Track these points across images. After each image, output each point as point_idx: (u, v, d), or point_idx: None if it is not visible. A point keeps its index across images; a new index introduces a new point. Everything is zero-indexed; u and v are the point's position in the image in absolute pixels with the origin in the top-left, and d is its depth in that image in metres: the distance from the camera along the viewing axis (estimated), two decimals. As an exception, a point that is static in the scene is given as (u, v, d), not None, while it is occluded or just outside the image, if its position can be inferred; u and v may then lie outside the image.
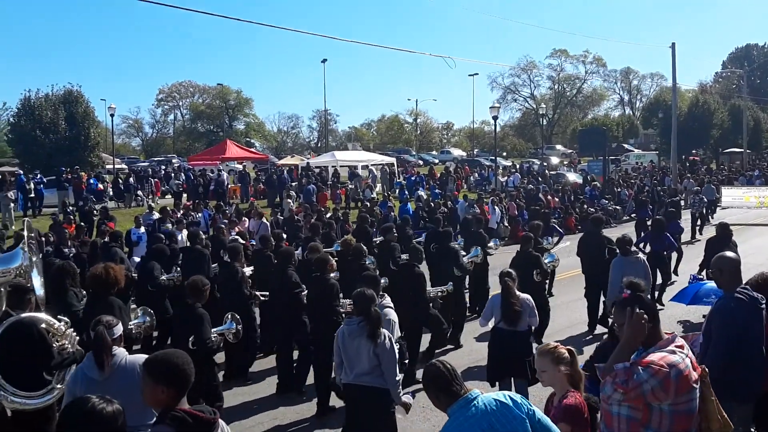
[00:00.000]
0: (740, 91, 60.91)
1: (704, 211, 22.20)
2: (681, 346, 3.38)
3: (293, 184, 29.33)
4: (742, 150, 49.92)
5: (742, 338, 4.58)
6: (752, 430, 4.91)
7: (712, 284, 8.38)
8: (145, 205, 24.55)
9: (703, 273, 10.54)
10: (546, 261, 10.28)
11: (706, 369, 3.50)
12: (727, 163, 48.66)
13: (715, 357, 4.53)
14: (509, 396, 3.31)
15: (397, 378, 5.40)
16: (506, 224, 22.39)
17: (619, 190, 29.96)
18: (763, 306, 4.67)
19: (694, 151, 53.17)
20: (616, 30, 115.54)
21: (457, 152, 63.84)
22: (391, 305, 6.63)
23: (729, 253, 5.18)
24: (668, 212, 15.39)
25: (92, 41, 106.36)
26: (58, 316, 5.41)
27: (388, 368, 5.34)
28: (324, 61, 53.46)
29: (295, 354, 8.35)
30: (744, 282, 4.91)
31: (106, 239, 12.71)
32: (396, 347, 5.49)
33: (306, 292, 7.95)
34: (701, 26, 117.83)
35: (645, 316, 3.35)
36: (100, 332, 4.05)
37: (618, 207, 26.97)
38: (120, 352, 4.09)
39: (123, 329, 4.36)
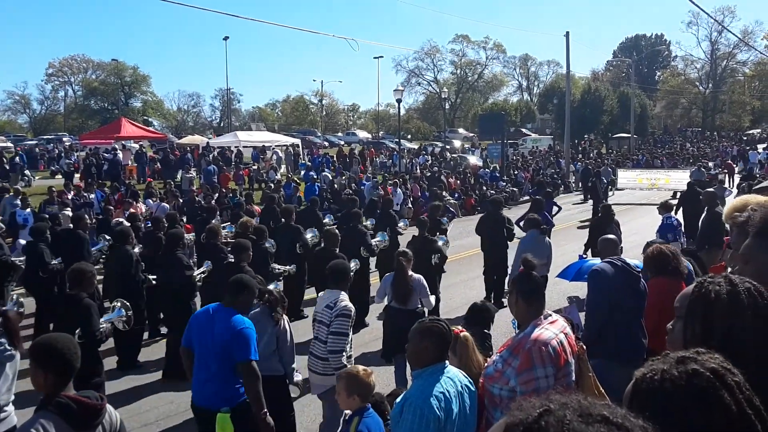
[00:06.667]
0: (629, 80, 64.39)
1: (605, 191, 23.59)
2: (554, 322, 3.51)
3: (189, 165, 28.30)
4: (630, 135, 52.96)
5: (615, 301, 4.84)
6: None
7: (594, 261, 8.84)
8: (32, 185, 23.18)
9: (588, 252, 11.05)
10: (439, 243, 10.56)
11: (584, 347, 3.65)
12: (615, 148, 51.48)
13: (590, 321, 4.84)
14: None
15: (294, 364, 5.51)
16: (410, 206, 22.78)
17: (516, 173, 31.07)
18: (639, 272, 5.00)
19: (586, 136, 55.84)
20: (516, 18, 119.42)
21: (363, 134, 64.20)
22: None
23: (609, 236, 5.87)
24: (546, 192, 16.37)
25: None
26: None
27: (287, 349, 5.48)
28: (226, 38, 52.03)
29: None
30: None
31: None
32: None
33: (196, 274, 7.87)
34: (595, 16, 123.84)
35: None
36: None
37: (515, 189, 27.97)
38: None
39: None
